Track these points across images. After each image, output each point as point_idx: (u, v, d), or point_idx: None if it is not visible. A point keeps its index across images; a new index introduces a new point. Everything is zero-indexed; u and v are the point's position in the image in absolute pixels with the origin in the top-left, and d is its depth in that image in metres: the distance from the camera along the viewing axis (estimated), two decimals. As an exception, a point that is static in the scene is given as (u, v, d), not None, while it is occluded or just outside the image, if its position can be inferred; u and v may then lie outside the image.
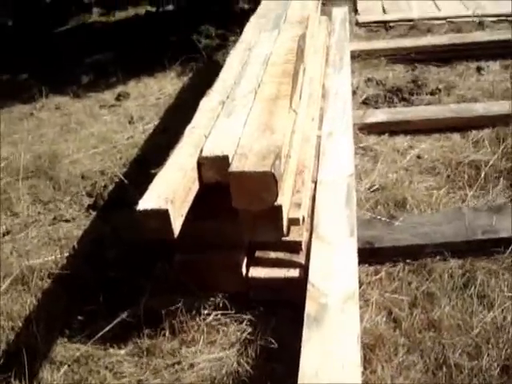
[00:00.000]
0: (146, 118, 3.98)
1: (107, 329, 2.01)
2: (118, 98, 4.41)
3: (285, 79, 2.34)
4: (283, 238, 2.02)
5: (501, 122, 3.02)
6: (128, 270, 2.26)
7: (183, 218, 1.76)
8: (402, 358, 1.80)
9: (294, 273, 2.05)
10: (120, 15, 6.67)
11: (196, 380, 1.84)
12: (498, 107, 3.20)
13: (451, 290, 2.04)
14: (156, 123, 3.88)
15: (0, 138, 3.89)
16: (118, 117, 4.09)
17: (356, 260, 1.96)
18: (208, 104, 2.28)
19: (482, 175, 2.64)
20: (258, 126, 2.01)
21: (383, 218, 2.36)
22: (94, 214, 2.85)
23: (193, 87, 4.36)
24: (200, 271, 2.08)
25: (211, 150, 1.90)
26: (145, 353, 1.95)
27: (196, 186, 1.87)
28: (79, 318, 2.12)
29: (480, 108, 3.23)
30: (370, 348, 1.81)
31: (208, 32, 5.19)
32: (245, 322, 2.01)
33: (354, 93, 3.58)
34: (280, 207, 1.85)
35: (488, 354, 1.77)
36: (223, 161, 1.84)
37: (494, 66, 3.93)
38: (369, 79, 3.93)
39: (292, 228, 2.09)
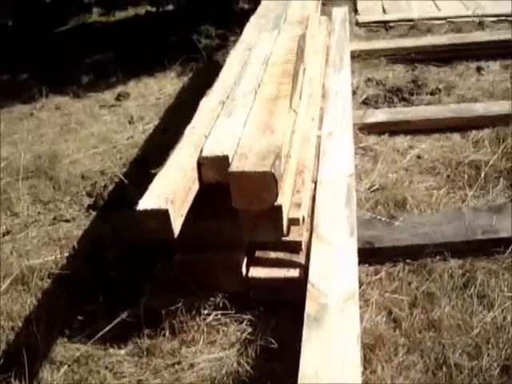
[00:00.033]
0: (146, 118, 3.98)
1: (107, 329, 2.00)
2: (118, 98, 4.41)
3: (285, 79, 2.34)
4: (283, 238, 2.02)
5: (501, 122, 3.02)
6: (128, 270, 2.26)
7: (183, 217, 1.76)
8: (402, 358, 1.80)
9: (294, 273, 2.05)
10: (120, 15, 6.68)
11: (196, 380, 1.83)
12: (498, 107, 3.20)
13: (451, 290, 2.04)
14: (156, 123, 3.88)
15: (0, 137, 3.89)
16: (117, 117, 4.09)
17: (356, 260, 1.96)
18: (208, 104, 2.28)
19: (482, 175, 2.64)
20: (257, 126, 2.01)
21: (383, 218, 2.36)
22: (94, 214, 2.85)
23: (193, 87, 4.36)
24: (200, 271, 2.08)
25: (211, 150, 1.90)
26: (145, 353, 1.95)
27: (196, 186, 1.87)
28: (79, 318, 2.12)
29: (480, 108, 3.23)
30: (370, 348, 1.81)
31: (208, 32, 5.19)
32: (245, 322, 2.01)
33: (353, 93, 3.58)
34: (280, 207, 1.85)
35: (488, 354, 1.77)
36: (223, 161, 1.84)
37: (494, 66, 3.93)
38: (369, 79, 3.92)
39: (292, 228, 2.09)
